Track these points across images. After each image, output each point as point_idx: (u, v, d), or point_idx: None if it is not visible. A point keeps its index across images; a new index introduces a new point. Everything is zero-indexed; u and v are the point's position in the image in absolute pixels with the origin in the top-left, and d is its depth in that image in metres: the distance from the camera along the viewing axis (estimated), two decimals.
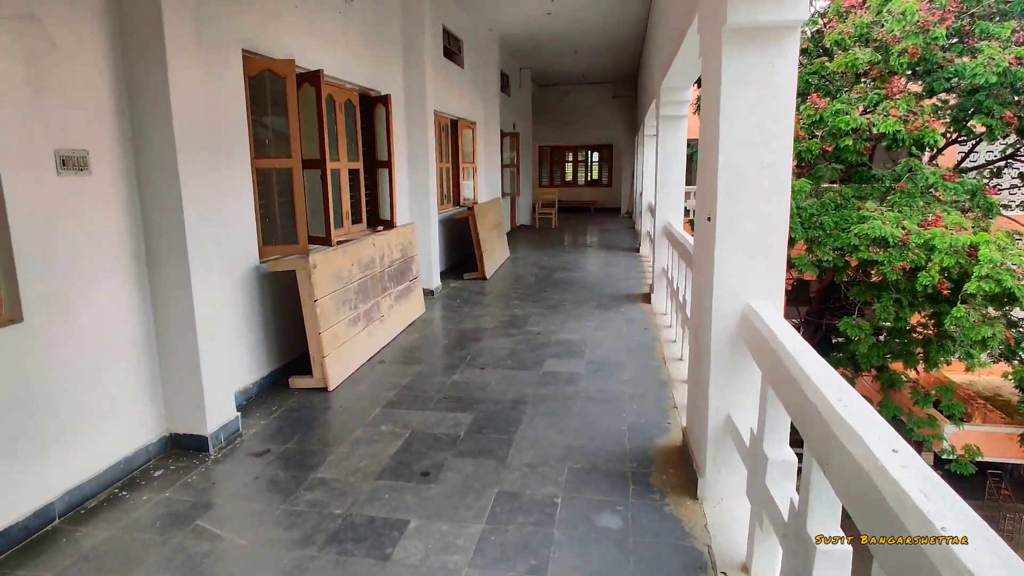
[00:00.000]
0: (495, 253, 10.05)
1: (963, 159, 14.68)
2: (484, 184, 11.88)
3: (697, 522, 2.98)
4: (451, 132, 10.33)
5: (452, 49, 10.06)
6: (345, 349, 4.93)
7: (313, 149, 5.14)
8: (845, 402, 1.85)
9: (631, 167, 20.29)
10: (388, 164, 6.81)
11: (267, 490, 3.17)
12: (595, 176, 24.60)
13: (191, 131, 3.43)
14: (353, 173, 6.43)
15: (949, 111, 11.94)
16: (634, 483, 3.31)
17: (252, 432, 3.89)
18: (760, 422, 2.59)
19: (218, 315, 3.68)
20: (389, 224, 6.95)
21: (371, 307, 5.55)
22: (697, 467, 3.27)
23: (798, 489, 2.13)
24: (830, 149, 11.94)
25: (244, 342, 4.45)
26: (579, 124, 20.58)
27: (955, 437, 13.14)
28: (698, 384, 3.37)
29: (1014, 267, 9.74)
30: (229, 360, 3.94)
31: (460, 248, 10.55)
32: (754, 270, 3.01)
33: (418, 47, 7.63)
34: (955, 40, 11.64)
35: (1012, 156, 13.76)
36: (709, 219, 3.12)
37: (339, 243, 5.48)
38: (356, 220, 6.54)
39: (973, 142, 13.34)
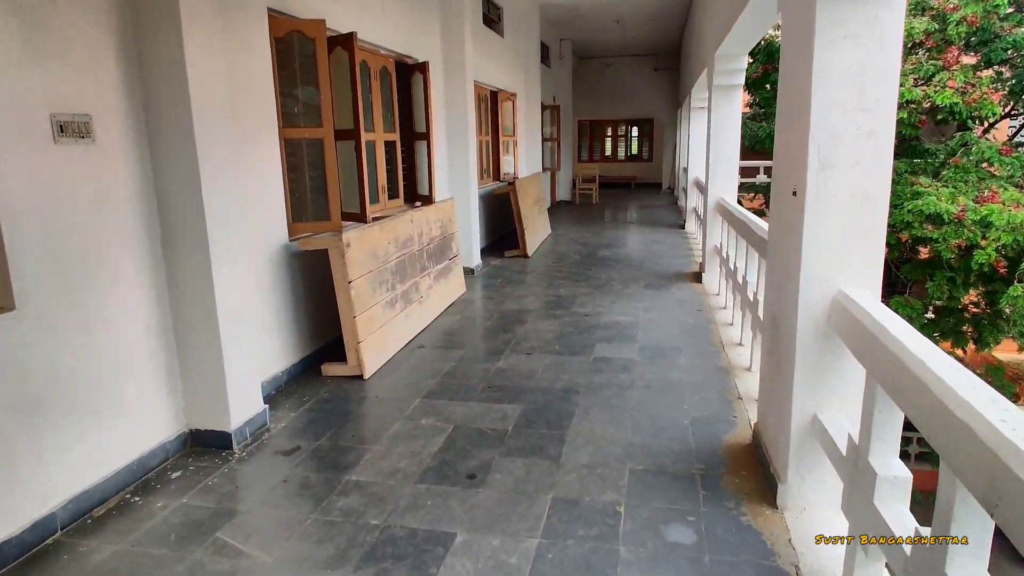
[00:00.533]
0: (537, 230, 9.66)
1: (1016, 133, 13.63)
2: (525, 158, 11.46)
3: (779, 536, 2.61)
4: (491, 104, 9.92)
5: (492, 17, 9.61)
6: (381, 333, 4.63)
7: (346, 119, 4.81)
8: (1013, 424, 1.44)
9: (673, 142, 19.59)
10: (426, 136, 6.45)
11: (296, 495, 2.87)
12: (635, 151, 23.92)
13: (210, 98, 3.11)
14: (389, 145, 6.09)
15: (1008, 83, 11.03)
16: (704, 488, 2.94)
17: (281, 426, 3.61)
18: (864, 429, 2.19)
19: (243, 299, 3.40)
20: (428, 200, 6.61)
21: (409, 288, 5.24)
22: (776, 471, 2.88)
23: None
24: None
25: (272, 327, 4.18)
26: (619, 97, 19.91)
27: None
28: (776, 379, 2.96)
29: None
30: (256, 348, 3.67)
31: (500, 224, 10.19)
32: (849, 253, 2.58)
33: (457, 12, 7.21)
34: (1012, 10, 10.71)
35: None
36: (795, 193, 2.69)
37: (375, 220, 5.17)
38: (393, 195, 6.22)
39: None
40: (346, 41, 4.73)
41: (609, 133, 23.79)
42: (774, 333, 3.02)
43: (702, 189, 9.40)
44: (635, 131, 23.73)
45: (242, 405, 3.37)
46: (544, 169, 14.31)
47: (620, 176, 22.62)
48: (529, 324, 5.62)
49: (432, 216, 5.96)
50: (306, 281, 4.54)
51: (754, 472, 3.08)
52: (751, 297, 4.55)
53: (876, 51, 2.46)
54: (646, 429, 3.54)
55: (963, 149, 11.55)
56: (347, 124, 4.83)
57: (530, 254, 8.85)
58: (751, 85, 14.36)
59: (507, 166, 10.59)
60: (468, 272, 7.64)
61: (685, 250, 9.27)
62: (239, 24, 3.76)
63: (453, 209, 6.63)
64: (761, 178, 18.40)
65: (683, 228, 11.46)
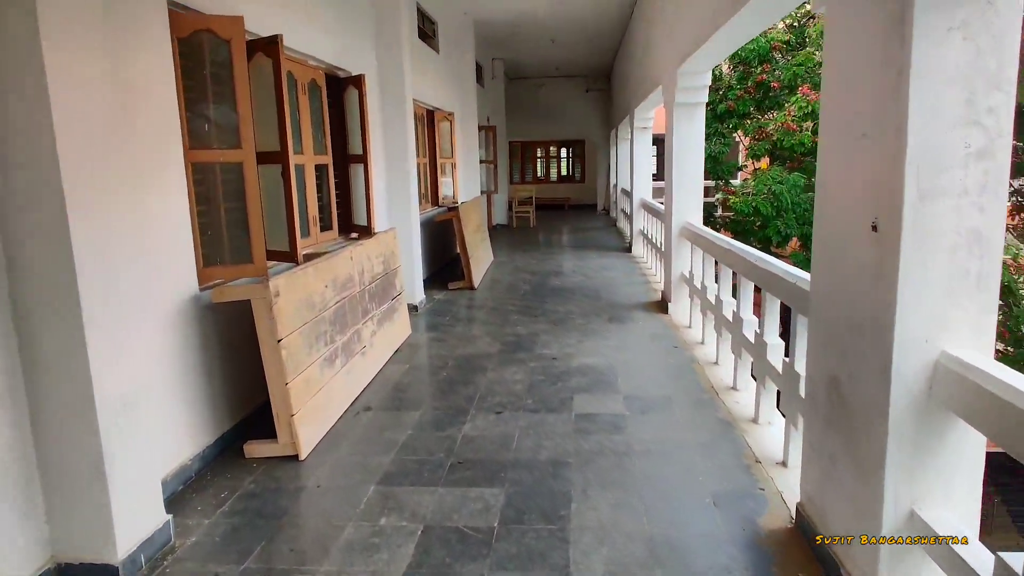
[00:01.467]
0: (481, 259, 8.95)
1: None
2: (463, 181, 10.77)
3: None
4: (427, 124, 9.20)
5: (427, 32, 8.93)
6: (320, 399, 3.79)
7: (270, 139, 3.99)
8: None
9: (606, 162, 19.37)
10: (363, 159, 5.66)
11: None
12: (568, 172, 23.68)
13: (84, 112, 2.27)
14: (320, 170, 5.28)
15: None
16: None
17: (191, 542, 2.71)
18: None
19: (134, 375, 2.52)
20: (366, 231, 5.80)
21: (351, 338, 4.41)
22: None
23: None
24: None
25: (180, 402, 3.28)
26: (551, 119, 19.55)
27: None
28: (844, 463, 2.35)
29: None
30: (155, 435, 2.77)
31: (441, 253, 9.42)
32: (955, 307, 2.00)
33: (393, 22, 6.48)
34: None
35: None
36: (875, 228, 2.10)
37: (307, 258, 4.33)
38: (325, 227, 5.39)
39: None
40: (269, 46, 3.92)
41: (541, 154, 23.48)
42: (837, 404, 2.41)
43: (654, 212, 8.95)
44: (566, 152, 23.51)
45: (134, 522, 2.48)
46: (482, 192, 13.66)
47: (554, 198, 22.27)
48: (492, 372, 4.88)
49: (373, 250, 5.15)
50: (223, 339, 3.66)
51: (814, 572, 2.44)
52: (750, 337, 3.98)
53: (989, 48, 1.90)
54: (663, 515, 2.85)
55: None
56: (272, 144, 4.00)
57: (476, 285, 8.13)
58: None
59: (446, 189, 9.86)
60: (412, 310, 6.84)
61: (639, 276, 8.77)
62: (128, 16, 2.91)
63: (395, 241, 5.84)
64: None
65: (630, 252, 11.02)
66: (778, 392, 3.55)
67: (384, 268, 5.37)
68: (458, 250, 8.08)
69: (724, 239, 4.93)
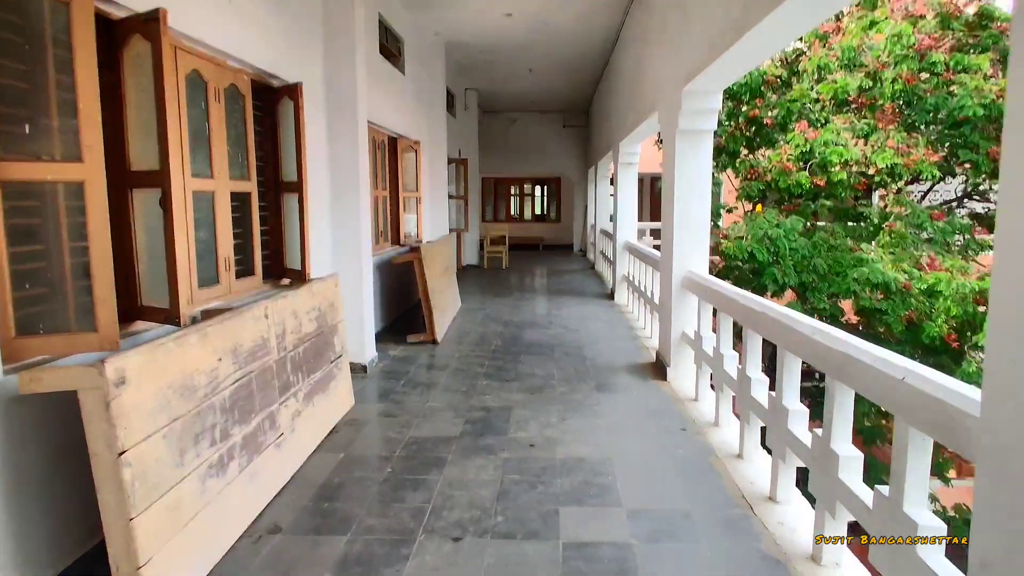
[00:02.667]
0: (447, 307, 7.83)
1: (922, 198, 13.28)
2: (429, 218, 9.70)
3: None
4: (389, 152, 8.15)
5: (391, 50, 7.94)
6: (198, 527, 2.61)
7: (149, 153, 2.87)
8: None
9: (583, 202, 18.53)
10: (298, 187, 4.55)
11: None
12: (542, 211, 22.84)
13: None
14: (240, 199, 4.15)
15: (945, 142, 10.48)
16: None
17: None
18: None
19: None
20: (300, 276, 4.66)
21: (258, 427, 3.24)
22: None
23: None
24: (822, 184, 10.40)
25: None
26: (526, 155, 18.72)
27: (944, 494, 11.60)
28: None
29: None
30: None
31: (400, 299, 8.28)
32: None
33: (346, 30, 5.45)
34: (929, 73, 10.25)
35: (970, 195, 12.38)
36: None
37: (208, 315, 3.19)
38: (245, 272, 4.24)
39: (932, 180, 11.89)
40: (149, 27, 2.83)
41: (515, 192, 22.63)
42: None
43: (643, 257, 7.97)
44: (540, 190, 22.69)
45: None
46: (451, 230, 12.61)
47: (528, 237, 21.36)
48: (451, 468, 3.73)
49: (303, 304, 4.01)
50: (47, 449, 2.47)
51: None
52: (803, 438, 2.92)
53: None
54: None
55: (896, 212, 10.90)
56: (149, 162, 2.88)
57: (440, 339, 6.99)
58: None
59: (409, 227, 8.78)
60: (359, 371, 5.68)
61: (626, 329, 7.72)
62: None
63: (337, 290, 4.70)
64: (647, 240, 17.54)
65: (612, 299, 10.00)
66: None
67: (318, 326, 4.23)
68: (420, 297, 6.96)
69: (757, 299, 3.89)
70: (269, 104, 4.61)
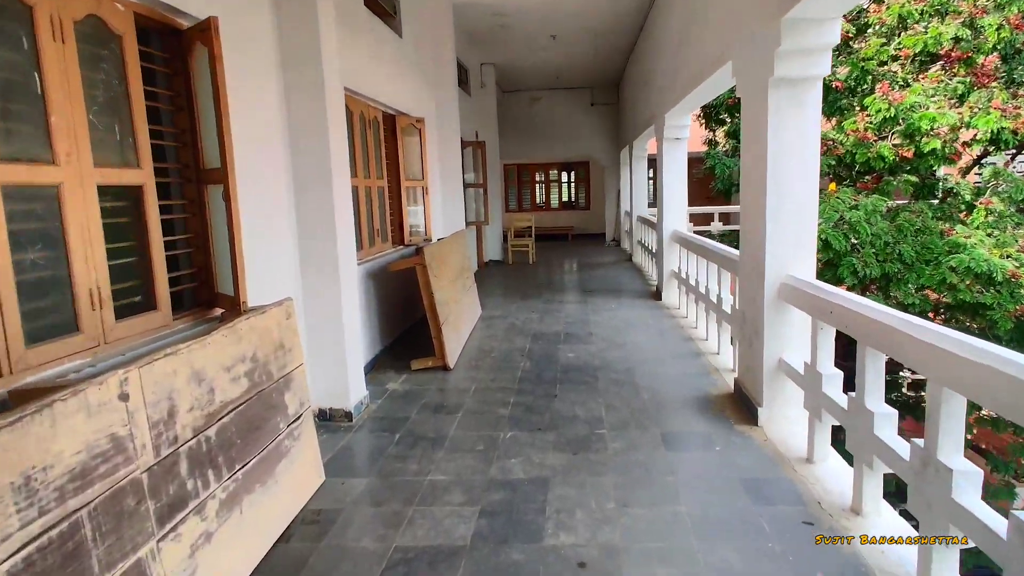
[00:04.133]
0: (461, 320, 6.38)
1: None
2: (441, 211, 8.23)
3: None
4: (386, 132, 6.69)
5: (383, 6, 6.46)
6: None
7: None
8: None
9: (615, 186, 16.92)
10: (223, 175, 3.11)
11: None
12: (570, 198, 21.26)
13: None
14: (124, 196, 2.73)
15: None
16: None
17: None
18: None
19: None
20: (233, 304, 3.23)
21: None
22: None
23: None
24: (909, 155, 8.67)
25: None
26: (551, 137, 17.14)
27: None
28: None
29: None
30: None
31: (402, 313, 6.84)
32: None
33: None
34: None
35: None
36: None
37: (17, 400, 1.79)
38: (143, 305, 2.83)
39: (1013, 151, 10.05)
40: None
41: (540, 178, 21.07)
42: None
43: (699, 250, 6.43)
44: (567, 176, 21.10)
45: None
46: (468, 223, 11.15)
47: (555, 227, 19.83)
48: None
49: (220, 355, 2.58)
50: None
51: None
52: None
53: None
54: None
55: (991, 187, 9.15)
56: None
57: (452, 364, 5.54)
58: (723, 113, 11.77)
59: (415, 222, 7.33)
60: (342, 419, 4.27)
61: (681, 340, 6.19)
62: None
63: (290, 323, 3.27)
64: (716, 226, 15.89)
65: (658, 298, 8.46)
66: None
67: (251, 383, 2.80)
68: (426, 312, 5.51)
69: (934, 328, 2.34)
70: (181, 56, 3.17)
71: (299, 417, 3.27)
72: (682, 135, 8.11)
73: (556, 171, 20.98)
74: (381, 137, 6.51)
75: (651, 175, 17.55)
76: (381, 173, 6.49)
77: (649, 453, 3.66)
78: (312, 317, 4.29)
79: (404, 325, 6.80)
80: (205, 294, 3.40)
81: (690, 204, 20.06)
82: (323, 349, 4.32)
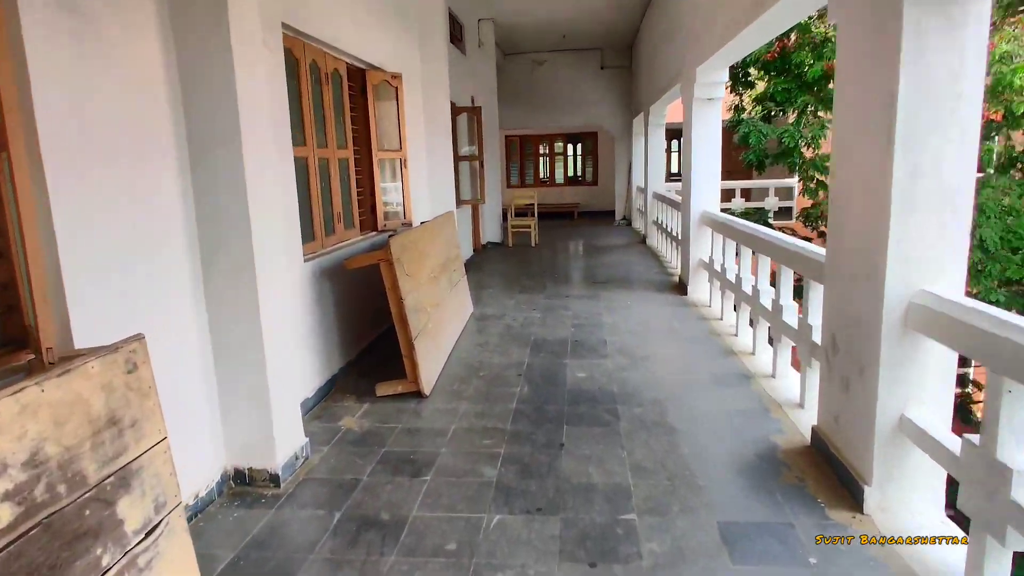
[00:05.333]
0: (444, 326, 5.10)
1: None
2: (426, 188, 6.90)
3: None
4: (353, 91, 5.35)
5: None
6: None
7: None
8: None
9: (627, 159, 15.51)
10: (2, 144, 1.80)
11: None
12: (575, 172, 19.85)
13: None
14: None
15: None
16: None
17: None
18: None
19: None
20: (37, 348, 1.96)
21: None
22: None
23: None
24: (998, 118, 7.27)
25: None
26: (556, 105, 15.65)
27: None
28: None
29: None
30: None
31: (376, 315, 5.53)
32: None
33: None
34: None
35: None
36: None
37: None
38: None
39: None
40: None
41: (544, 150, 19.64)
42: None
43: (741, 235, 5.15)
44: (573, 148, 19.66)
45: None
46: (462, 203, 9.82)
47: (560, 204, 18.49)
48: None
49: None
50: None
51: None
52: None
53: None
54: None
55: None
56: None
57: (427, 390, 4.27)
58: (752, 73, 10.29)
59: (390, 198, 6.02)
60: (267, 484, 3.03)
61: (720, 355, 4.92)
62: None
63: (136, 379, 1.99)
64: (738, 203, 14.53)
65: (683, 292, 7.16)
66: None
67: (26, 507, 1.53)
68: (395, 323, 4.23)
69: None
70: None
71: (153, 529, 2.02)
72: (716, 94, 6.73)
73: (561, 143, 19.54)
74: (345, 96, 5.17)
75: (669, 147, 16.15)
76: (344, 142, 5.16)
77: (707, 568, 2.40)
78: (220, 346, 3.02)
79: (374, 333, 5.52)
80: (11, 328, 2.12)
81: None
82: (236, 389, 3.05)
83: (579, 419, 3.79)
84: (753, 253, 5.11)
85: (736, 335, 5.37)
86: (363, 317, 5.17)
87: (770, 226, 9.53)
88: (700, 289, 6.96)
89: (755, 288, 4.82)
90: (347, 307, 4.85)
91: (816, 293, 3.62)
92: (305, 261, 4.11)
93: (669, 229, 9.26)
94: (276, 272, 3.16)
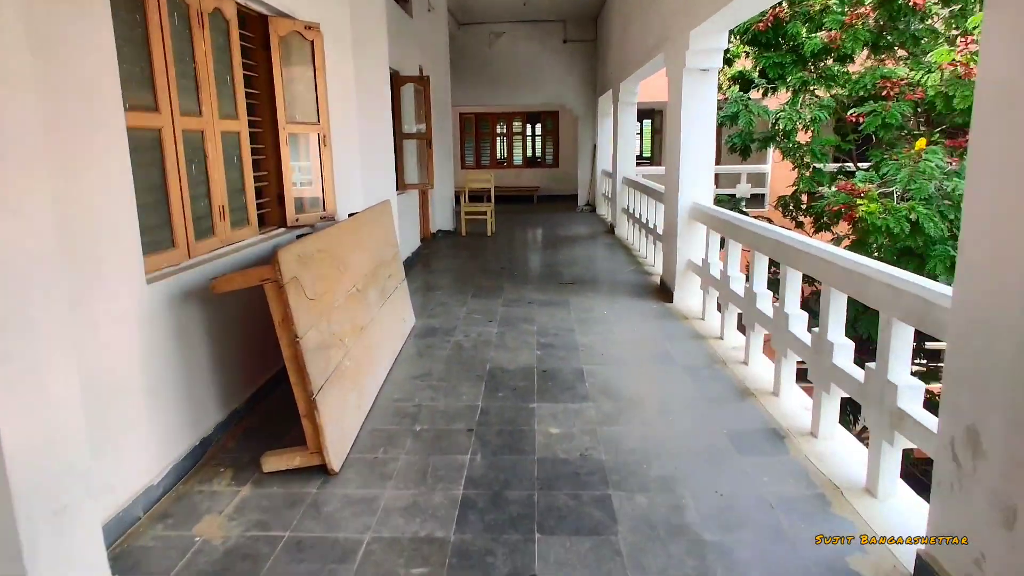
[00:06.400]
0: (368, 359, 3.80)
1: None
2: (356, 171, 5.55)
3: None
4: (250, 41, 3.96)
5: None
6: None
7: None
8: None
9: (591, 140, 14.31)
10: None
11: None
12: (534, 153, 18.60)
13: None
14: None
15: None
16: None
17: None
18: None
19: None
20: None
21: None
22: None
23: None
24: None
25: None
26: (514, 81, 14.29)
27: None
28: None
29: None
30: None
31: (264, 354, 4.18)
32: None
33: None
34: None
35: None
36: None
37: None
38: None
39: None
40: None
41: (501, 129, 18.32)
42: None
43: (755, 243, 3.98)
44: (533, 128, 18.39)
45: None
46: (407, 187, 8.48)
47: (518, 187, 17.25)
48: None
49: None
50: None
51: None
52: None
53: None
54: None
55: None
56: None
57: (338, 464, 2.99)
58: (750, 43, 9.08)
59: (304, 186, 4.67)
60: None
61: (736, 397, 3.77)
62: None
63: None
64: (744, 188, 13.50)
65: (668, 299, 6.02)
66: None
67: None
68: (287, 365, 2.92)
69: None
70: None
71: None
72: (712, 63, 5.55)
73: (520, 122, 18.22)
74: (235, 49, 3.78)
75: (642, 128, 15.02)
76: (234, 110, 3.79)
77: None
78: None
79: (278, 365, 4.18)
80: None
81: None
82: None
83: (557, 519, 2.57)
84: (775, 265, 3.96)
85: (746, 363, 4.23)
86: (258, 346, 3.83)
87: (745, 215, 8.44)
88: (689, 296, 5.83)
89: (781, 312, 3.66)
90: (232, 336, 3.52)
91: (900, 338, 2.46)
92: (151, 282, 2.77)
93: (646, 221, 8.10)
94: (53, 312, 1.84)
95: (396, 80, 8.02)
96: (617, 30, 10.55)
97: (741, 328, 4.63)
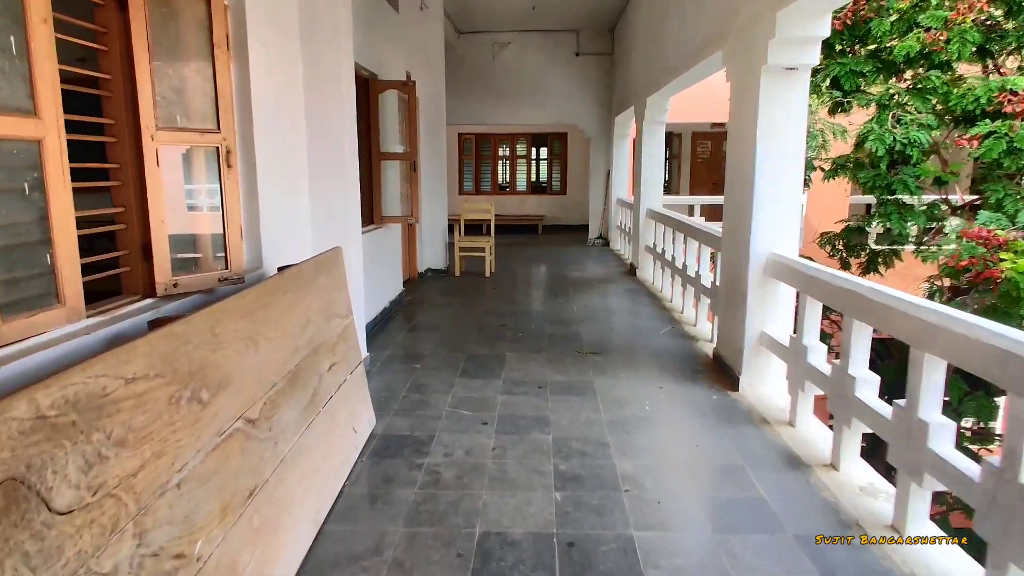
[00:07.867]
0: (250, 554, 2.10)
1: None
2: (294, 203, 3.88)
3: None
4: (101, 9, 2.31)
5: None
6: None
7: None
8: None
9: (606, 165, 12.71)
10: None
11: None
12: (538, 178, 17.02)
13: None
14: None
15: None
16: None
17: None
18: None
19: None
20: None
21: None
22: None
23: None
24: None
25: None
26: (519, 97, 12.72)
27: None
28: None
29: None
30: None
31: None
32: None
33: None
34: None
35: None
36: None
37: None
38: None
39: None
40: None
41: (504, 152, 16.76)
42: None
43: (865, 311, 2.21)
44: (539, 151, 16.82)
45: None
46: (385, 220, 6.81)
47: (520, 216, 15.64)
48: None
49: None
50: None
51: None
52: None
53: None
54: None
55: None
56: None
57: None
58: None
59: (191, 227, 2.99)
60: None
61: None
62: None
63: None
64: (699, 222, 11.79)
65: (731, 385, 4.32)
66: None
67: None
68: None
69: None
70: None
71: None
72: (805, 60, 3.90)
73: (525, 144, 16.65)
74: (118, 34, 2.13)
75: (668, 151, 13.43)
76: (29, 100, 2.12)
77: None
78: None
79: None
80: None
81: (693, 191, 16.01)
82: None
83: None
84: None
85: (908, 540, 2.52)
86: None
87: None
88: (761, 382, 4.14)
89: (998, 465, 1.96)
90: None
91: None
92: None
93: (682, 267, 6.42)
94: None
95: (372, 85, 6.41)
96: (643, 36, 8.98)
97: (867, 451, 2.95)
